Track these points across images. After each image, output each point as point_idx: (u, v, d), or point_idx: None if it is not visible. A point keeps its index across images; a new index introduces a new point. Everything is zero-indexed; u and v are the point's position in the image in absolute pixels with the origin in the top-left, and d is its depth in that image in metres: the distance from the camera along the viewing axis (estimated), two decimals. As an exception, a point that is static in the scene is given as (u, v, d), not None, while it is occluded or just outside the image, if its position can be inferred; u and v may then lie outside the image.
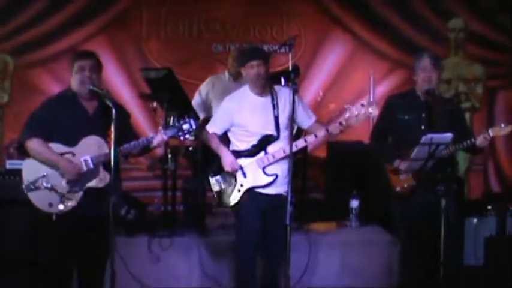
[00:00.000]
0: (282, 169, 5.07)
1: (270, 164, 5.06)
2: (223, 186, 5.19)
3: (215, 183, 5.21)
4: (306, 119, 5.17)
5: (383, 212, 6.23)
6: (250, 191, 5.11)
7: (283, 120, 5.09)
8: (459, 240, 5.26)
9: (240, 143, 5.16)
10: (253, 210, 5.10)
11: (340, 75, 8.27)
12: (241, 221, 5.23)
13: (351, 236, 6.33)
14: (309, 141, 5.09)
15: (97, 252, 4.67)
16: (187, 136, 4.75)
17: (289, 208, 4.52)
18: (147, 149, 4.76)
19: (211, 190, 5.25)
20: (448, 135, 4.85)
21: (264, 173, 5.08)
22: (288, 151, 4.93)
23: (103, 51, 7.48)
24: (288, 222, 4.50)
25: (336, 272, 6.01)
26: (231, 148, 5.21)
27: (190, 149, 6.58)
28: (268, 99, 5.12)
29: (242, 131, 5.14)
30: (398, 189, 5.10)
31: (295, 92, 4.86)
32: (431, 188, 4.93)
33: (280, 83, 6.24)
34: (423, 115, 5.10)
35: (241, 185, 5.12)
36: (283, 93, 5.13)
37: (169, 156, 6.29)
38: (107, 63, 7.06)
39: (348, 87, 8.17)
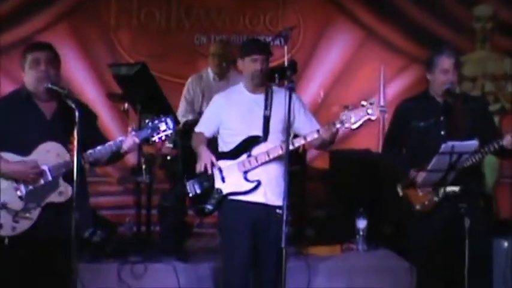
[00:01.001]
0: (268, 176, 5.09)
1: (253, 168, 5.08)
2: (198, 191, 5.21)
3: (190, 187, 5.25)
4: (306, 127, 5.16)
5: (395, 234, 6.25)
6: (231, 199, 5.13)
7: (275, 122, 5.12)
8: (487, 266, 5.24)
9: (225, 145, 5.22)
10: (237, 223, 5.10)
11: (345, 72, 8.30)
12: (225, 237, 5.27)
13: (358, 262, 6.34)
14: (296, 144, 5.10)
15: (56, 282, 4.62)
16: (163, 138, 4.73)
17: (284, 229, 4.49)
18: (116, 155, 4.73)
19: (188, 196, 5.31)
20: (473, 143, 4.86)
21: (245, 178, 5.11)
22: (274, 154, 5.01)
23: (64, 43, 7.51)
24: (283, 244, 4.48)
25: (340, 305, 6.01)
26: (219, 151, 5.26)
27: (168, 158, 6.58)
28: (261, 97, 5.17)
29: (227, 130, 5.21)
30: (418, 207, 5.11)
31: (293, 90, 4.86)
32: (452, 205, 4.93)
33: (273, 80, 6.25)
34: (441, 118, 5.11)
35: (219, 191, 5.15)
36: (281, 94, 5.15)
37: (144, 166, 6.29)
38: (69, 57, 7.11)
39: (354, 87, 8.19)
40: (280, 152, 4.99)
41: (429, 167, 4.89)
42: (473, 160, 4.97)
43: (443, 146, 4.80)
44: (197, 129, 5.36)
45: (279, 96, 5.15)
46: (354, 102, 7.71)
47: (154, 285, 5.94)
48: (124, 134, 4.73)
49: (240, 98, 5.21)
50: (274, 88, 5.28)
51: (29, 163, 4.52)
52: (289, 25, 7.42)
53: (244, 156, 5.12)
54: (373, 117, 4.88)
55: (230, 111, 5.20)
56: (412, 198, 5.11)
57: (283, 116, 5.06)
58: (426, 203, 5.08)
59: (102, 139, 4.73)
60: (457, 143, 4.81)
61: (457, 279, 4.93)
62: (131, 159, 6.60)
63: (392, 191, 5.30)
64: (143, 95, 6.15)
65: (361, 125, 4.88)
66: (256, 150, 5.11)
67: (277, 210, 4.86)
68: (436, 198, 5.05)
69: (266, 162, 5.07)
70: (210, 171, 5.13)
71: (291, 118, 4.96)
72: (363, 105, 4.87)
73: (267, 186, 5.09)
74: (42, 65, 4.58)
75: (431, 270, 5.18)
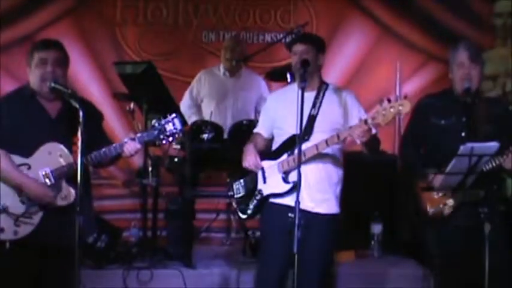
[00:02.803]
0: (305, 179, 4.84)
1: (292, 169, 5.02)
2: (242, 193, 5.22)
3: (235, 188, 5.28)
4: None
5: (411, 239, 6.21)
6: (270, 202, 5.10)
7: (321, 122, 5.04)
8: (508, 272, 5.22)
9: (275, 145, 5.21)
10: (275, 227, 5.02)
11: (360, 70, 8.29)
12: (263, 241, 5.27)
13: (373, 268, 6.33)
14: (320, 149, 5.04)
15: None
16: (170, 140, 4.72)
17: (296, 233, 4.48)
18: (118, 156, 4.75)
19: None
20: (493, 145, 4.82)
21: (284, 179, 5.06)
22: (309, 155, 4.93)
23: (68, 39, 7.44)
24: (295, 250, 4.47)
25: (354, 313, 6.01)
26: None
27: (176, 160, 6.58)
28: (312, 94, 5.08)
29: (277, 130, 5.18)
30: (431, 211, 5.08)
31: (305, 89, 4.83)
32: (472, 210, 4.91)
33: (285, 79, 6.24)
34: (463, 119, 5.08)
35: (260, 192, 5.13)
36: (336, 94, 5.12)
37: (150, 169, 6.29)
38: (73, 54, 7.01)
39: (369, 86, 8.18)
40: (316, 152, 4.93)
41: (447, 169, 4.86)
42: (494, 164, 4.92)
43: (462, 147, 4.76)
44: (255, 130, 5.37)
45: (332, 95, 5.12)
46: (371, 102, 7.77)
47: (161, 292, 5.95)
48: (129, 134, 4.71)
49: (291, 96, 5.05)
50: (331, 86, 5.20)
51: (49, 191, 4.52)
52: (301, 21, 7.42)
53: (285, 156, 5.07)
54: (404, 111, 4.77)
55: (280, 110, 5.16)
56: (427, 202, 5.08)
57: (332, 116, 5.05)
58: (441, 206, 5.05)
59: (107, 140, 4.73)
60: (476, 145, 4.78)
61: (477, 286, 4.90)
62: (137, 161, 6.61)
63: (408, 194, 5.28)
64: (149, 94, 6.15)
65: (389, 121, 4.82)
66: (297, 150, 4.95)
67: (289, 214, 4.80)
68: (452, 202, 5.02)
69: (304, 163, 4.90)
70: (256, 169, 5.11)
71: (341, 121, 5.00)
72: (389, 101, 4.79)
73: (305, 191, 4.90)
74: (49, 66, 4.59)
75: (450, 278, 5.15)
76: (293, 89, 5.18)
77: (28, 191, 4.51)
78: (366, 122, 4.75)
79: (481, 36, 8.02)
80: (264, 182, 5.12)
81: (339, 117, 5.05)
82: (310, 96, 5.07)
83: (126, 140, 4.66)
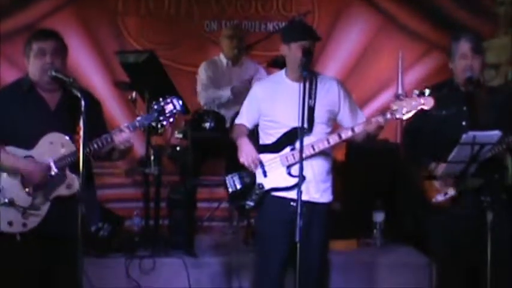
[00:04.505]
0: (312, 171, 4.95)
1: (297, 162, 4.99)
2: (238, 187, 5.17)
3: (230, 182, 5.17)
4: (348, 120, 5.12)
5: (414, 227, 6.22)
6: (272, 195, 5.07)
7: (320, 112, 5.03)
8: (511, 260, 5.22)
9: (267, 137, 5.12)
10: (278, 220, 5.01)
11: (362, 59, 8.28)
12: (262, 236, 5.22)
13: (375, 257, 6.33)
14: (344, 136, 4.99)
15: (66, 277, 4.61)
16: (171, 120, 4.70)
17: (299, 222, 4.49)
18: (114, 150, 4.73)
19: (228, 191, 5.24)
20: (495, 133, 4.82)
21: (289, 173, 5.04)
22: (319, 148, 4.92)
23: (69, 29, 7.50)
24: (297, 239, 4.47)
25: (356, 301, 6.02)
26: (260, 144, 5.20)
27: (178, 149, 6.59)
28: (306, 86, 5.05)
29: (270, 122, 5.10)
30: (433, 199, 5.08)
31: (307, 79, 4.82)
32: (474, 198, 4.91)
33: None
34: (464, 108, 5.08)
35: (260, 186, 5.09)
36: (326, 82, 5.12)
37: (152, 158, 6.30)
38: (74, 44, 7.07)
39: (371, 74, 8.18)
40: (327, 145, 4.93)
41: (450, 158, 4.86)
42: (496, 151, 4.93)
43: (464, 136, 4.77)
44: (237, 121, 5.29)
45: (324, 85, 5.10)
46: (372, 92, 7.77)
47: (163, 280, 5.97)
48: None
49: (282, 87, 5.08)
50: (319, 75, 5.19)
51: (41, 165, 4.51)
52: (303, 10, 7.42)
53: (287, 150, 5.01)
54: (426, 107, 4.81)
55: (272, 102, 5.10)
56: (429, 190, 5.08)
57: (328, 106, 5.04)
58: (443, 195, 5.05)
59: (105, 129, 4.71)
60: (478, 133, 4.78)
61: (480, 274, 4.90)
62: (139, 150, 6.62)
63: (410, 183, 5.29)
64: (151, 83, 6.15)
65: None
66: None
67: (291, 203, 4.82)
68: (454, 191, 5.02)
69: (311, 157, 4.95)
70: (253, 169, 5.04)
71: (336, 109, 5.00)
72: (416, 95, 4.81)
73: (311, 183, 4.96)
74: (48, 56, 4.57)
75: (451, 266, 5.16)
76: (280, 79, 5.16)
77: (23, 171, 4.49)
78: (384, 116, 4.81)
79: (484, 25, 8.01)
80: (265, 175, 5.06)
81: (334, 106, 5.05)
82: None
83: (114, 131, 4.62)
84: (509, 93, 5.65)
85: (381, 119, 4.85)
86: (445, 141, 4.93)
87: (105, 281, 5.81)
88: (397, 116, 4.81)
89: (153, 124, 4.73)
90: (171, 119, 4.70)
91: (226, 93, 6.86)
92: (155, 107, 4.68)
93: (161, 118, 4.68)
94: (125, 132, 4.59)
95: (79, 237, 4.29)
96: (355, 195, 6.94)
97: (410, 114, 4.81)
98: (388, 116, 4.82)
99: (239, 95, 6.70)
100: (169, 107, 4.68)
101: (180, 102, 4.70)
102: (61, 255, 4.59)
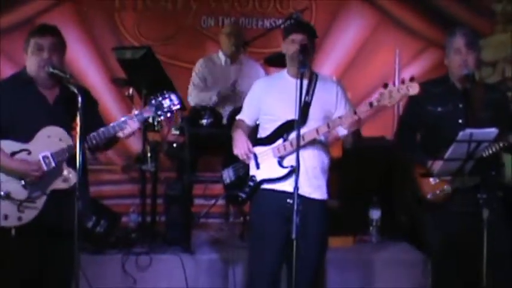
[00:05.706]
0: (304, 164, 4.88)
1: (288, 153, 5.03)
2: (232, 178, 5.19)
3: (225, 174, 5.23)
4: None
5: (410, 224, 6.23)
6: (264, 188, 5.07)
7: (315, 109, 5.05)
8: (506, 258, 5.22)
9: (264, 131, 5.15)
10: (271, 213, 5.01)
11: (359, 56, 8.29)
12: (255, 231, 5.20)
13: (372, 254, 6.34)
14: (320, 132, 5.02)
15: (58, 273, 4.65)
16: (168, 115, 4.72)
17: (295, 219, 4.49)
18: (114, 140, 4.75)
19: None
20: (492, 131, 4.83)
21: (279, 163, 5.04)
22: (309, 138, 4.92)
23: (67, 25, 7.48)
24: (294, 236, 4.48)
25: (352, 298, 6.02)
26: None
27: (175, 145, 6.58)
28: (305, 82, 5.01)
29: (267, 116, 5.13)
30: (429, 196, 5.09)
31: (304, 76, 4.83)
32: (470, 195, 4.92)
33: (284, 65, 6.23)
34: (460, 106, 5.08)
35: (253, 178, 5.11)
36: (327, 82, 5.15)
37: (149, 154, 6.30)
38: (71, 39, 7.04)
39: (368, 71, 8.18)
40: (317, 135, 4.94)
41: (446, 155, 4.86)
42: (492, 150, 4.93)
43: (461, 133, 4.77)
44: (238, 116, 5.31)
45: (324, 84, 5.13)
46: (370, 88, 7.75)
47: (160, 277, 5.96)
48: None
49: (281, 83, 5.11)
50: (320, 75, 5.21)
51: (31, 163, 4.52)
52: (300, 7, 7.41)
53: (280, 141, 5.04)
54: (411, 93, 4.79)
55: (270, 97, 5.13)
56: (424, 187, 5.09)
57: (325, 104, 5.06)
58: (438, 192, 5.06)
59: (103, 126, 4.72)
60: (475, 131, 4.78)
61: (476, 272, 4.91)
62: (136, 146, 6.62)
63: (406, 180, 5.29)
64: (148, 79, 6.15)
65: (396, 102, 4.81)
66: (293, 135, 4.95)
67: (288, 200, 4.81)
68: (449, 188, 5.03)
69: (302, 148, 4.88)
70: (246, 160, 5.07)
71: (332, 109, 5.02)
72: (400, 82, 4.81)
73: (302, 176, 4.86)
74: (46, 52, 4.57)
75: (447, 264, 5.17)
76: (281, 76, 5.19)
77: (16, 172, 4.49)
78: (355, 112, 4.83)
79: (481, 22, 8.02)
80: (258, 167, 5.08)
81: (330, 106, 5.06)
82: (303, 83, 5.07)
83: (124, 118, 4.65)
84: (505, 92, 5.68)
85: (367, 107, 4.82)
86: (441, 139, 4.94)
87: (102, 277, 5.80)
88: (383, 103, 4.78)
89: (151, 119, 4.77)
90: (169, 114, 4.72)
91: (213, 97, 6.86)
92: (153, 101, 4.69)
93: (159, 113, 4.70)
94: (132, 124, 4.62)
95: (75, 232, 4.29)
96: (352, 192, 6.94)
97: (395, 101, 4.79)
98: (375, 103, 4.82)
99: (225, 99, 6.76)
100: (166, 102, 4.70)
101: (178, 97, 4.72)
102: (57, 251, 4.59)
